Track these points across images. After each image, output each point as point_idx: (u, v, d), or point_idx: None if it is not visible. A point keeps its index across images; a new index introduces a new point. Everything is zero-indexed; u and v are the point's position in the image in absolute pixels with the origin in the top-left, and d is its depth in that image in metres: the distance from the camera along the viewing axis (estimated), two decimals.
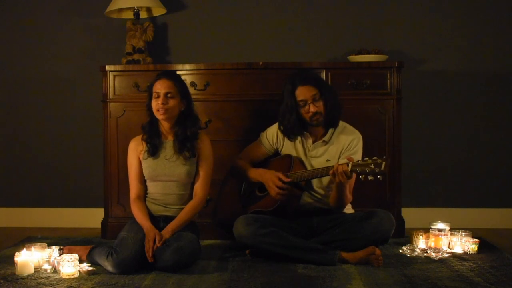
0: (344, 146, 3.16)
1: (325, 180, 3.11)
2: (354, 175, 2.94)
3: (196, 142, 3.10)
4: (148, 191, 3.12)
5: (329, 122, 3.16)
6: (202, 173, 3.11)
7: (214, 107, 3.66)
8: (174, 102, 3.04)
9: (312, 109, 3.08)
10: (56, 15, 4.17)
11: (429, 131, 4.12)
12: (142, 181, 3.12)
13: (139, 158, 3.11)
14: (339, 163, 2.96)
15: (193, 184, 3.12)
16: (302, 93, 3.10)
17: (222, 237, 3.51)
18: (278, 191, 3.05)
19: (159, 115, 3.04)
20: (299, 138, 3.21)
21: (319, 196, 3.18)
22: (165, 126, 3.10)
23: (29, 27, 4.19)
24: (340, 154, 3.15)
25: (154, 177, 3.08)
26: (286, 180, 3.04)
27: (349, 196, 3.09)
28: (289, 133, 3.19)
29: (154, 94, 3.04)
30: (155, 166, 3.07)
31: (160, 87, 3.04)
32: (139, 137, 3.15)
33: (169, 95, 3.03)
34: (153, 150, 3.08)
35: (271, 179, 3.07)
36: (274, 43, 4.12)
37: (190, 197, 3.11)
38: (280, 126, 3.21)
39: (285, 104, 3.15)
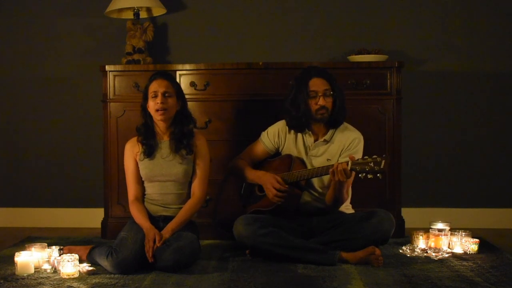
0: (345, 145, 3.16)
1: (326, 179, 3.11)
2: (353, 174, 2.94)
3: (192, 140, 3.10)
4: (146, 192, 3.12)
5: (332, 122, 3.16)
6: (199, 171, 3.11)
7: (214, 107, 3.66)
8: (172, 101, 3.05)
9: (321, 102, 3.08)
10: (56, 15, 4.17)
11: (429, 131, 4.12)
12: (140, 182, 3.12)
13: (135, 160, 3.11)
14: (339, 162, 2.97)
15: (190, 183, 3.12)
16: (316, 84, 3.10)
17: (222, 237, 3.51)
18: (275, 193, 3.05)
19: (158, 115, 3.04)
20: (300, 136, 3.20)
21: (319, 196, 3.18)
22: (161, 126, 3.10)
23: (29, 27, 4.19)
24: (340, 153, 3.15)
25: (152, 177, 3.08)
26: (284, 186, 3.04)
27: (345, 195, 3.09)
28: (295, 124, 3.18)
29: (151, 94, 3.04)
30: (152, 166, 3.07)
31: (158, 86, 3.03)
32: (134, 139, 3.15)
33: (167, 94, 3.03)
34: (149, 151, 3.08)
35: (269, 181, 3.07)
36: (274, 43, 4.12)
37: (188, 196, 3.11)
38: (287, 118, 3.20)
39: (294, 94, 3.14)
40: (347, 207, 3.23)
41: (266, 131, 3.32)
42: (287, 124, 3.22)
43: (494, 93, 4.11)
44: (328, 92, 3.10)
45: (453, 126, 4.12)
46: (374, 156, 2.84)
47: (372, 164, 2.82)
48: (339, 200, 3.09)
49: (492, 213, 4.08)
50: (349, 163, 2.88)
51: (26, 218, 4.16)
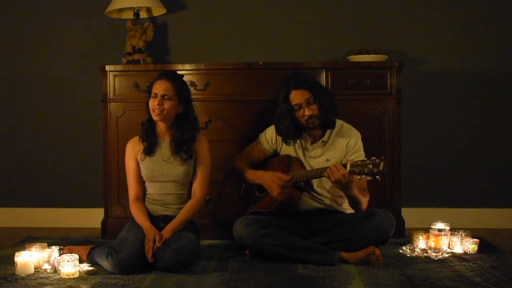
0: (345, 148, 3.16)
1: (325, 180, 3.11)
2: (364, 177, 2.93)
3: (193, 146, 3.09)
4: (147, 192, 3.13)
5: (325, 124, 3.16)
6: (199, 172, 3.11)
7: (214, 107, 3.66)
8: (170, 104, 3.03)
9: (307, 112, 3.09)
10: (56, 15, 4.17)
11: (429, 131, 4.12)
12: (141, 181, 3.12)
13: (136, 159, 3.11)
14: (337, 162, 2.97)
15: (191, 183, 3.12)
16: (296, 97, 3.10)
17: (222, 237, 3.51)
18: (279, 191, 3.04)
19: (153, 115, 3.05)
20: (297, 140, 3.21)
21: (319, 197, 3.18)
22: (161, 126, 3.10)
23: (29, 27, 4.19)
24: (344, 156, 3.15)
25: (152, 178, 3.08)
26: (286, 178, 3.03)
27: (358, 196, 3.05)
28: (285, 137, 3.20)
29: (152, 94, 3.05)
30: (153, 167, 3.07)
31: (159, 87, 3.03)
32: (136, 138, 3.16)
33: (166, 97, 3.02)
34: (149, 149, 3.08)
35: (271, 179, 3.07)
36: (274, 43, 4.12)
37: (189, 196, 3.11)
38: (276, 130, 3.22)
39: (279, 109, 3.17)
40: (347, 207, 3.23)
41: (264, 132, 3.32)
42: (281, 137, 3.23)
43: (494, 93, 4.11)
44: (311, 100, 3.10)
45: (453, 126, 4.12)
46: (373, 158, 2.84)
47: (370, 166, 2.82)
48: (355, 202, 3.08)
49: (492, 213, 4.08)
50: (348, 165, 2.88)
51: (26, 218, 4.16)
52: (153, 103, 3.03)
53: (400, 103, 3.64)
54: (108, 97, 3.68)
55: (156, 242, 2.85)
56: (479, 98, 4.11)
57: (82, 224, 4.09)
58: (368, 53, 3.77)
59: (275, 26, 4.13)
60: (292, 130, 3.16)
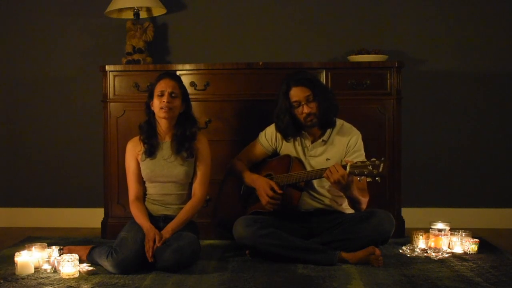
0: (345, 147, 3.16)
1: (325, 180, 3.10)
2: (363, 178, 2.93)
3: (194, 143, 3.10)
4: (147, 192, 3.13)
5: (325, 123, 3.16)
6: (199, 173, 3.11)
7: (214, 107, 3.66)
8: (177, 102, 3.06)
9: (306, 110, 3.09)
10: (56, 15, 4.18)
11: (429, 131, 4.12)
12: (141, 181, 3.12)
13: (137, 159, 3.11)
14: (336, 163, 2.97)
15: (191, 184, 3.12)
16: (296, 94, 3.10)
17: (222, 237, 3.51)
18: (268, 200, 3.04)
19: (161, 113, 3.04)
20: (298, 138, 3.21)
21: (319, 196, 3.18)
22: (163, 126, 3.10)
23: (29, 27, 4.19)
24: (345, 155, 3.15)
25: (153, 178, 3.08)
26: (279, 191, 3.04)
27: (358, 196, 3.05)
28: (284, 134, 3.20)
29: (157, 93, 3.05)
30: (153, 167, 3.07)
31: (166, 86, 3.05)
32: (136, 138, 3.16)
33: (173, 95, 3.04)
34: (150, 151, 3.08)
35: (262, 187, 3.07)
36: (274, 43, 4.12)
37: (189, 196, 3.11)
38: (276, 127, 3.22)
39: (279, 106, 3.16)
40: (347, 207, 3.23)
41: (263, 131, 3.32)
42: (281, 134, 3.23)
43: (494, 93, 4.11)
44: (310, 98, 3.09)
45: (453, 126, 4.12)
46: (373, 159, 2.84)
47: (370, 167, 2.82)
48: (355, 202, 3.09)
49: (492, 213, 4.08)
50: (348, 166, 2.88)
51: (26, 218, 4.16)
52: (161, 101, 3.03)
53: (400, 103, 3.64)
54: (108, 97, 3.68)
55: (156, 242, 2.85)
56: (479, 98, 4.11)
57: (82, 224, 4.09)
58: (368, 53, 3.77)
59: (275, 26, 4.13)
60: (291, 127, 3.16)
